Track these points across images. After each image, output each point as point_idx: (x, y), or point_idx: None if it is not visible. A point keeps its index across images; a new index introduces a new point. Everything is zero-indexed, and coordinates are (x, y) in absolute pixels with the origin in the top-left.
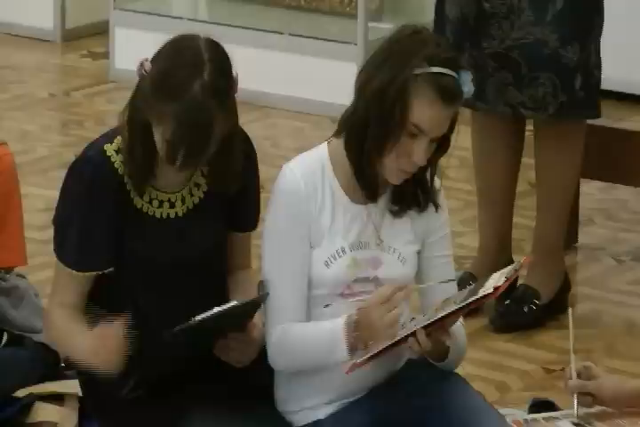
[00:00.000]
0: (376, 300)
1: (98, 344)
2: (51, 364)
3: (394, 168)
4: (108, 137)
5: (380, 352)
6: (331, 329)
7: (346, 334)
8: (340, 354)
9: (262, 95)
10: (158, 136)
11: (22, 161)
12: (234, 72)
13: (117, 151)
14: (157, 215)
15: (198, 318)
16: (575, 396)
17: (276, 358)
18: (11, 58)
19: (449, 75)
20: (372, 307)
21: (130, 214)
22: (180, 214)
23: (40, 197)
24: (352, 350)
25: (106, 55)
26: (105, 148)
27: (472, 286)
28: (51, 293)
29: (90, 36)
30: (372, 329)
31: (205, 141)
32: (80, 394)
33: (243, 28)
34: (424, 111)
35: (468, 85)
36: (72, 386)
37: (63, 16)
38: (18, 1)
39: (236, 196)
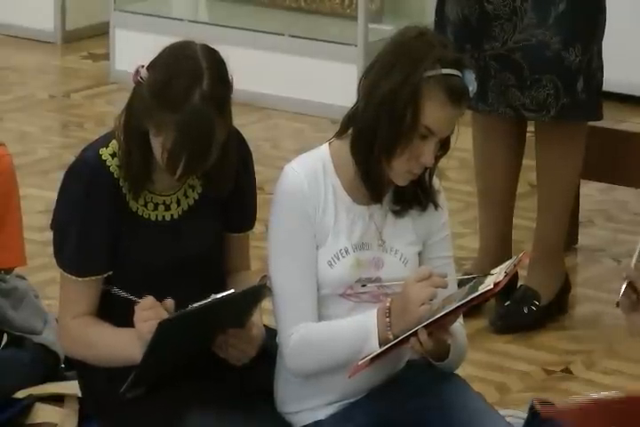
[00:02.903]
0: (415, 277)
1: (139, 315)
2: (51, 365)
3: (402, 170)
4: (103, 141)
5: (383, 353)
6: (362, 319)
7: (378, 320)
8: (371, 343)
9: (262, 97)
10: (157, 144)
11: (22, 162)
12: (229, 75)
13: (112, 155)
14: (153, 218)
15: (196, 304)
16: (625, 284)
17: (296, 360)
18: (11, 59)
19: (456, 75)
20: (409, 284)
21: (125, 218)
22: (176, 216)
23: (40, 199)
24: (382, 339)
25: (106, 57)
26: (100, 152)
27: (471, 284)
28: (60, 309)
29: (90, 38)
30: (405, 308)
31: (207, 151)
32: (80, 395)
33: (243, 29)
34: (436, 113)
35: (472, 84)
36: (72, 387)
37: (63, 17)
38: (18, 2)
39: (231, 196)
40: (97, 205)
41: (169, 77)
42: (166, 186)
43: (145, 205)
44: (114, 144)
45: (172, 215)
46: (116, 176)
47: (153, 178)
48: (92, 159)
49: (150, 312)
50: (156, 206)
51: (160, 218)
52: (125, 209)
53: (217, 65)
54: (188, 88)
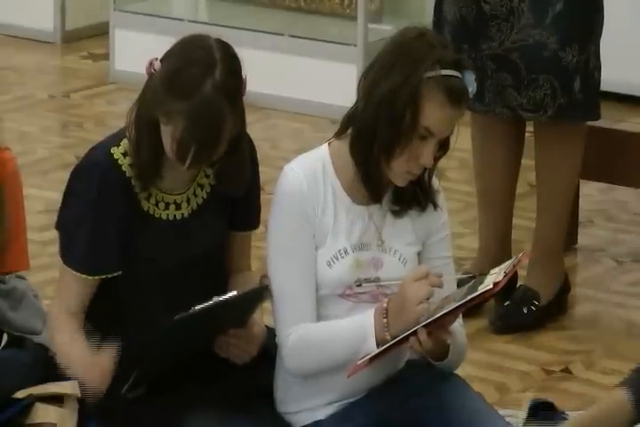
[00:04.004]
0: (412, 276)
1: (92, 363)
2: (51, 365)
3: (401, 170)
4: (114, 140)
5: (381, 353)
6: (360, 319)
7: (375, 320)
8: (369, 343)
9: (262, 97)
10: (167, 135)
11: (22, 162)
12: (243, 74)
13: (124, 154)
14: (164, 217)
15: (198, 307)
16: None
17: (294, 360)
18: (11, 59)
19: (456, 76)
20: (407, 283)
21: (137, 217)
22: (186, 215)
23: (40, 199)
24: (380, 340)
25: (106, 57)
26: (112, 151)
27: (471, 283)
28: (56, 297)
29: (90, 38)
30: (403, 307)
31: (216, 140)
32: (80, 395)
33: (243, 29)
34: (435, 114)
35: (472, 85)
36: (72, 387)
37: (63, 17)
38: (18, 2)
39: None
40: (109, 204)
41: (181, 66)
42: (176, 183)
43: (156, 205)
44: (125, 143)
45: (182, 214)
46: (128, 175)
47: (162, 173)
48: (103, 158)
49: None
50: (167, 206)
51: (171, 217)
52: (137, 208)
53: (230, 57)
54: (201, 77)
